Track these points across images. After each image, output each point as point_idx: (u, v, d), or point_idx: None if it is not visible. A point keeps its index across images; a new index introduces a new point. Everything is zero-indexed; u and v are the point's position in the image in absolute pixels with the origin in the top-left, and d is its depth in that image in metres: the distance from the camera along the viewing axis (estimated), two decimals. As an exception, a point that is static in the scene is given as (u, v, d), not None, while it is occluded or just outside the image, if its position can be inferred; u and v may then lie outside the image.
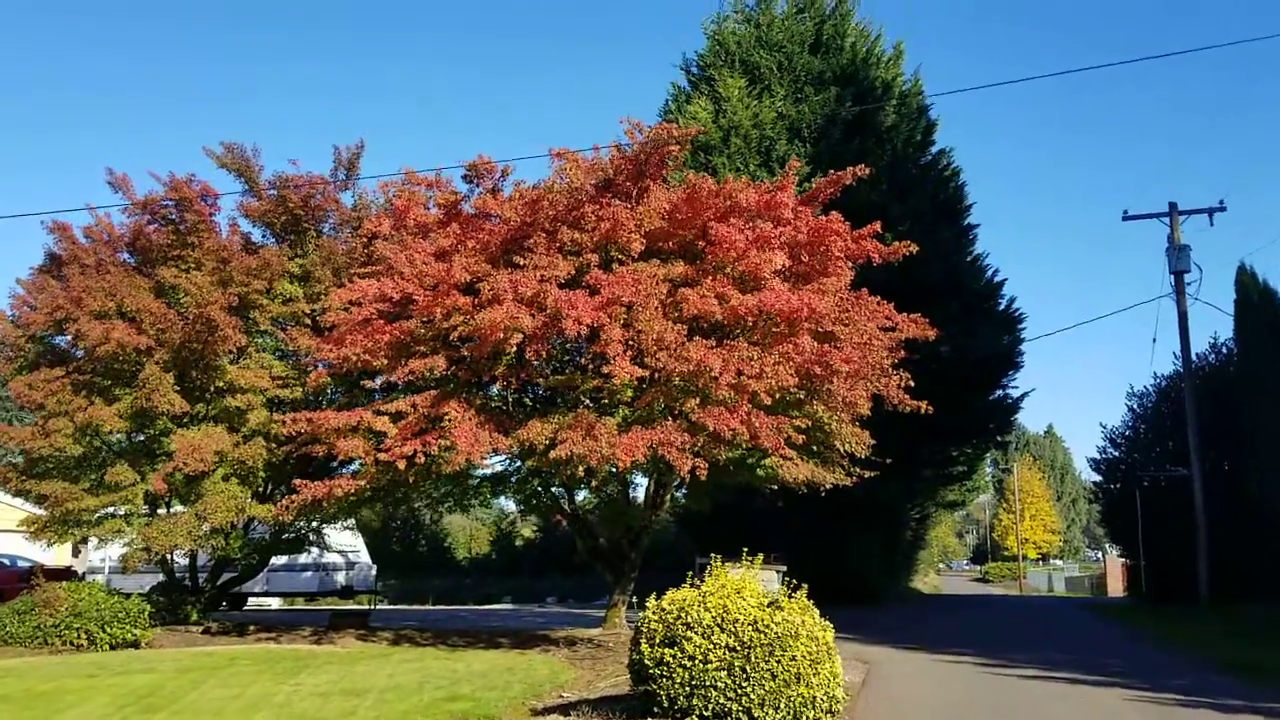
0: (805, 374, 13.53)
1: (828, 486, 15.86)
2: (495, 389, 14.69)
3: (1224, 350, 30.00)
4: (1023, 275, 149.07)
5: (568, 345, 14.57)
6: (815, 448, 16.17)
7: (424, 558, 50.20)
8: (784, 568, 16.15)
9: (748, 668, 8.15)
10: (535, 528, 51.99)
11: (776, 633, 8.20)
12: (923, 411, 16.10)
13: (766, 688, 8.10)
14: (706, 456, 13.26)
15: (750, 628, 8.22)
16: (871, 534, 28.14)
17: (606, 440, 12.62)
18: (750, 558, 17.52)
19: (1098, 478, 34.59)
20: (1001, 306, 31.76)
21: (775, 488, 16.91)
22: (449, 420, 13.71)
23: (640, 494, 18.57)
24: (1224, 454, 28.20)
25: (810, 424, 15.26)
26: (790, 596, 9.07)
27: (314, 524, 17.74)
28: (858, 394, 14.02)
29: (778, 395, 13.64)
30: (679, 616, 8.48)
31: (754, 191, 14.46)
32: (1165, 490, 29.92)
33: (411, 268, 14.12)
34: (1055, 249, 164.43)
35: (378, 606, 28.29)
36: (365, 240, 16.39)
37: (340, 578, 27.71)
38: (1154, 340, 68.01)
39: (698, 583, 9.07)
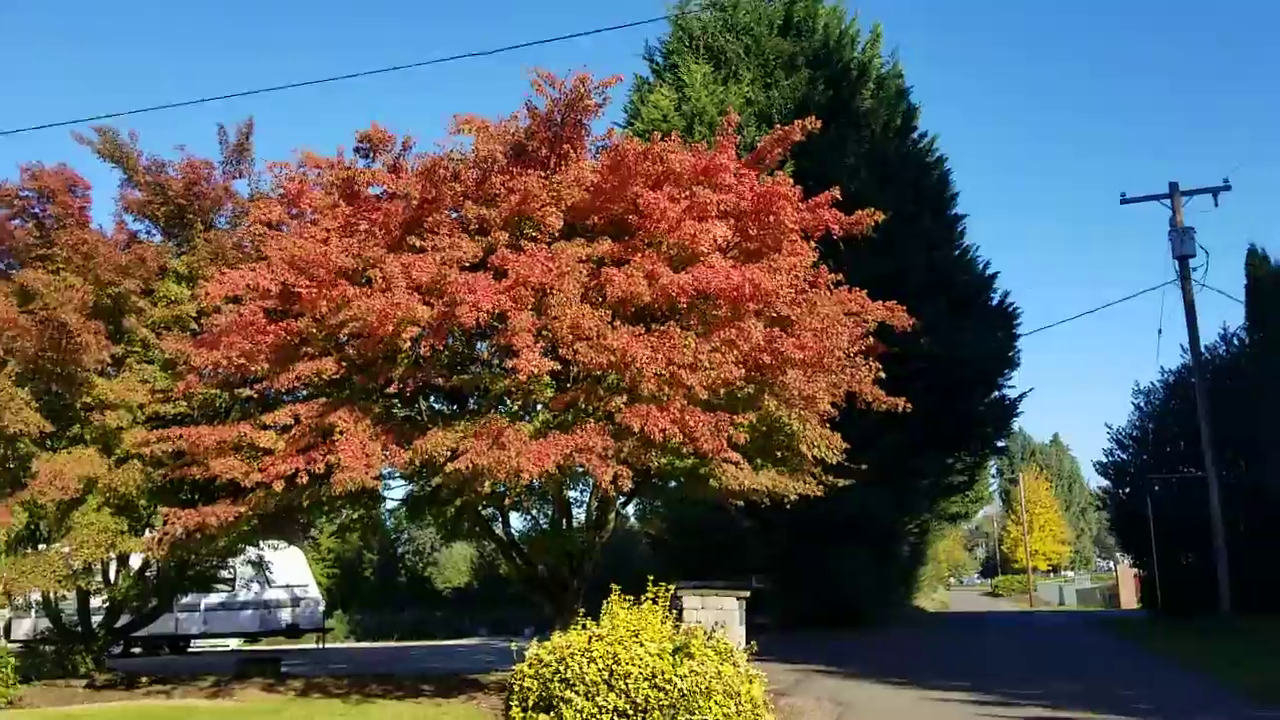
0: (753, 364, 11.44)
1: (793, 497, 13.68)
2: (397, 394, 12.56)
3: (1236, 341, 27.90)
4: (1019, 271, 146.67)
5: (475, 339, 12.49)
6: (780, 453, 14.06)
7: (401, 589, 47.81)
8: (747, 593, 13.96)
9: (640, 739, 6.05)
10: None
11: (682, 689, 6.10)
12: (901, 409, 14.01)
13: (666, 766, 6.01)
14: (635, 463, 11.14)
15: (647, 684, 6.12)
16: (863, 551, 25.92)
17: (516, 449, 10.51)
18: (704, 583, 15.28)
19: (1105, 483, 32.40)
20: (994, 302, 29.73)
21: (740, 502, 14.77)
22: (340, 432, 11.66)
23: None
24: (1241, 452, 26.10)
25: (768, 425, 13.17)
26: (709, 636, 6.95)
27: (212, 558, 15.55)
28: (816, 387, 11.87)
29: (722, 390, 11.55)
30: (558, 671, 6.39)
31: (689, 155, 12.42)
32: (1178, 494, 27.74)
33: (282, 253, 12.05)
34: (1054, 242, 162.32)
35: (326, 645, 26.11)
36: (257, 231, 14.31)
37: (285, 615, 25.54)
38: (1159, 332, 65.99)
39: (588, 624, 6.97)
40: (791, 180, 13.01)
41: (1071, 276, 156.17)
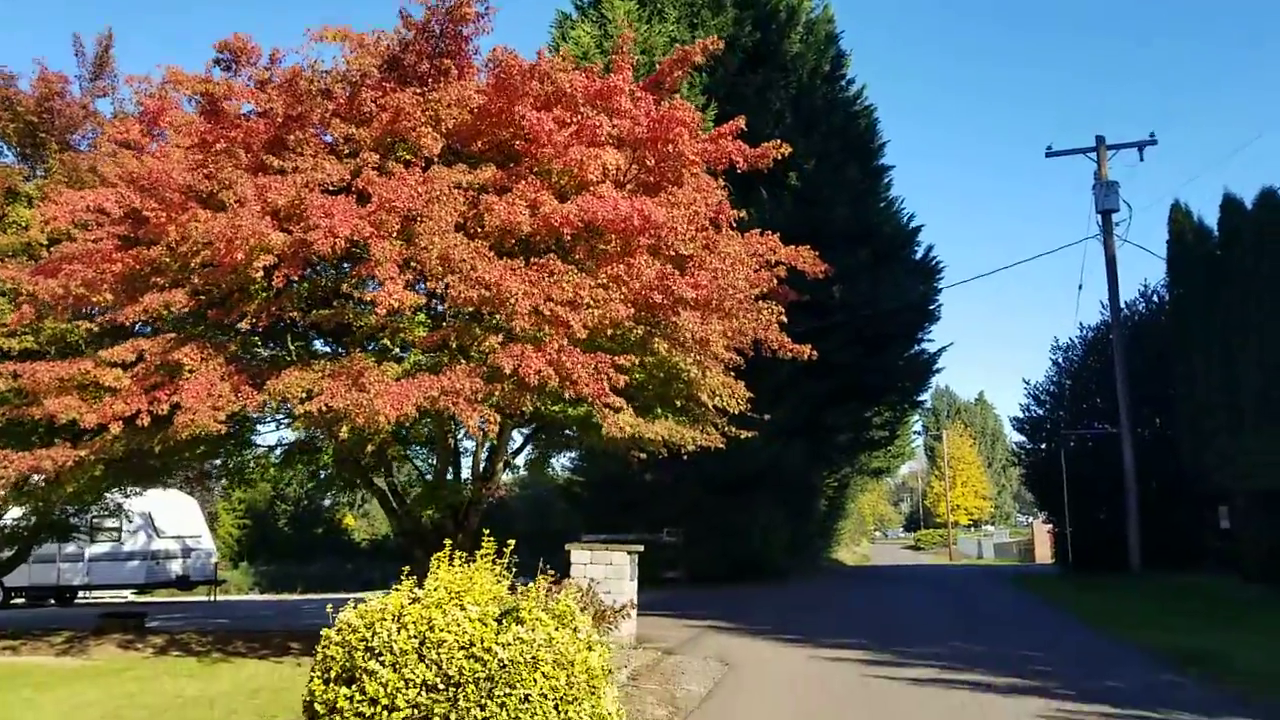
0: (643, 304, 10.62)
1: (690, 447, 12.99)
2: (257, 331, 11.50)
3: (1155, 298, 27.77)
4: (945, 227, 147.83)
5: (339, 271, 11.44)
6: (679, 401, 13.35)
7: (317, 539, 46.59)
8: (640, 548, 13.29)
9: (453, 717, 5.24)
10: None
11: (503, 660, 5.29)
12: (808, 358, 13.32)
13: (481, 748, 5.21)
14: (510, 408, 10.30)
15: (463, 654, 5.30)
16: (776, 504, 25.47)
17: (375, 391, 9.59)
18: (612, 536, 14.46)
19: (1022, 439, 32.31)
20: (918, 255, 29.25)
21: (641, 454, 14.02)
22: (189, 371, 10.64)
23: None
24: (1156, 411, 26.04)
25: (665, 371, 12.42)
26: (550, 596, 6.15)
27: (70, 506, 14.39)
28: (711, 330, 11.06)
29: (610, 331, 10.73)
30: (365, 639, 5.57)
31: (581, 75, 11.43)
32: (1093, 451, 27.72)
33: (121, 171, 10.90)
34: (980, 198, 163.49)
35: (220, 598, 25.03)
36: (108, 151, 13.08)
37: (175, 566, 24.35)
38: (1080, 287, 65.67)
39: (409, 584, 6.13)
40: (701, 114, 12.17)
41: (997, 232, 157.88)
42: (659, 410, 13.54)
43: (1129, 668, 10.79)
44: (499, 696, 5.26)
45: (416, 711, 5.26)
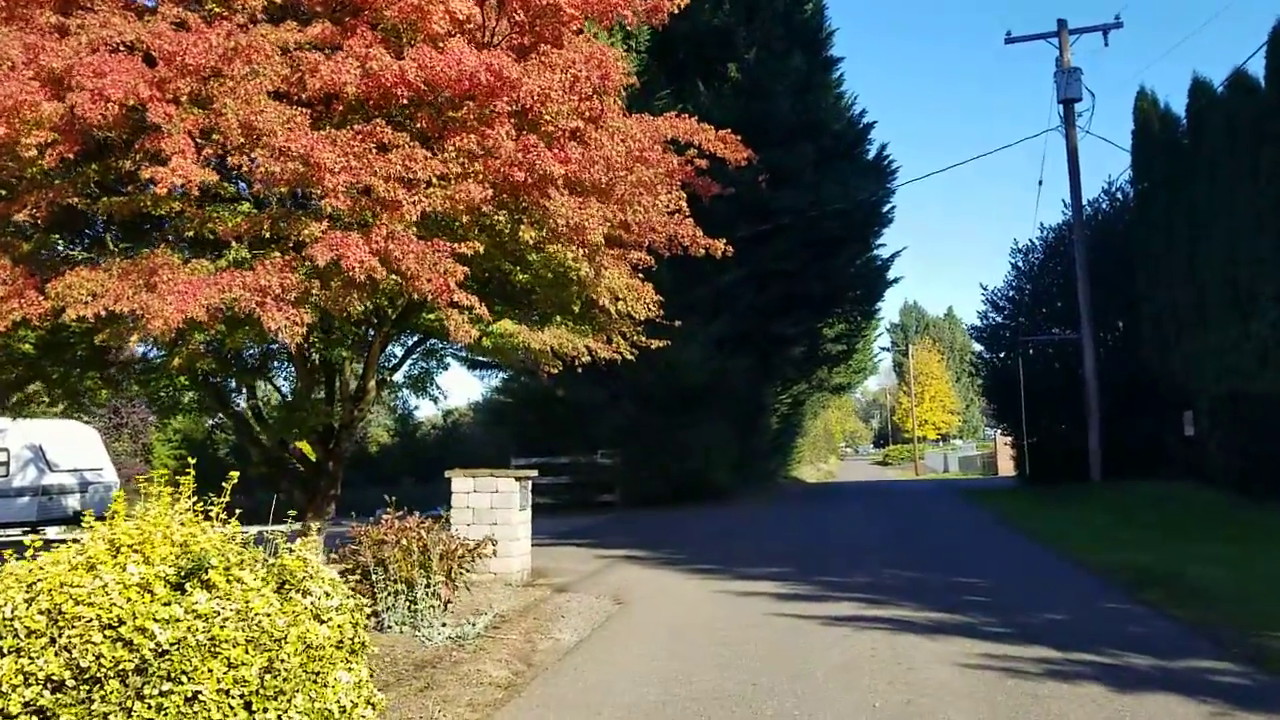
0: (504, 183, 8.85)
1: (585, 359, 11.39)
2: (41, 225, 9.64)
3: (1120, 195, 26.14)
4: (903, 130, 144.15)
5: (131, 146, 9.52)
6: (576, 306, 11.70)
7: (261, 469, 44.92)
8: (533, 474, 11.76)
9: (84, 728, 3.63)
10: (389, 431, 47.38)
11: (162, 644, 3.70)
12: (720, 254, 11.61)
13: (128, 768, 3.61)
14: (336, 310, 8.57)
15: (104, 637, 3.70)
16: (720, 421, 23.91)
17: (159, 291, 7.85)
18: (544, 459, 12.92)
19: (980, 348, 30.88)
20: (870, 154, 27.40)
21: (553, 370, 12.40)
22: (-36, 274, 8.85)
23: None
24: (1119, 314, 24.60)
25: (554, 270, 10.73)
26: (279, 550, 4.53)
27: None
28: (589, 216, 9.29)
29: (464, 217, 8.98)
30: (-13, 612, 3.96)
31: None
32: (1053, 358, 26.37)
33: None
34: (937, 94, 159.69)
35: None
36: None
37: (72, 502, 22.48)
38: (1040, 183, 64.01)
39: (94, 529, 4.49)
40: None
41: (959, 135, 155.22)
42: (558, 318, 11.91)
43: (1077, 596, 9.41)
44: (153, 697, 3.65)
45: (39, 718, 3.67)
